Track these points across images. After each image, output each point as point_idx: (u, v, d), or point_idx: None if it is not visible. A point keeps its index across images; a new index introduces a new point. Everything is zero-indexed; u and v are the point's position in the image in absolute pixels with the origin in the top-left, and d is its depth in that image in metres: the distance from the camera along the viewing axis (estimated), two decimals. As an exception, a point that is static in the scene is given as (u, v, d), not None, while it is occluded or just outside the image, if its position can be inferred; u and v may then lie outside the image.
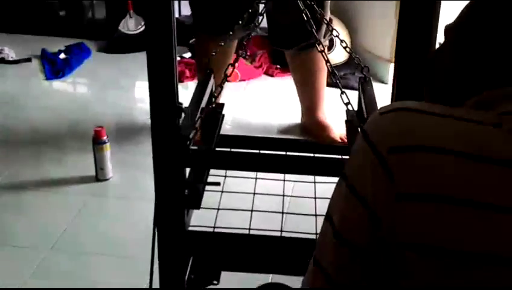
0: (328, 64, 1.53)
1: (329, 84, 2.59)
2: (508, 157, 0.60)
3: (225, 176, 1.58)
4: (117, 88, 3.03)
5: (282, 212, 1.61)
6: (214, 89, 1.63)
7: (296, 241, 1.41)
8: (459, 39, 0.71)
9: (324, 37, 2.44)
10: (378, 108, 0.69)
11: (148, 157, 1.44)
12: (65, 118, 2.73)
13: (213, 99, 1.50)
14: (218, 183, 1.48)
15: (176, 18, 2.52)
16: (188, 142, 1.31)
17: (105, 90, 3.03)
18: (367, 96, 1.52)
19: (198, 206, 1.41)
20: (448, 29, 0.74)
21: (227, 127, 2.60)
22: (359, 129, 0.68)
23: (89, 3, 3.77)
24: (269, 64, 3.20)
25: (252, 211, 1.54)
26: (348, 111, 1.53)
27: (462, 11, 0.72)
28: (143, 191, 2.08)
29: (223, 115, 1.64)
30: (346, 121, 1.60)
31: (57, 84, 3.08)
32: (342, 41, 1.57)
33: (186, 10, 3.42)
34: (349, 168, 0.67)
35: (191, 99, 1.49)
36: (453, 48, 0.72)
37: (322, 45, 1.56)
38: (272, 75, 3.17)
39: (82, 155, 2.35)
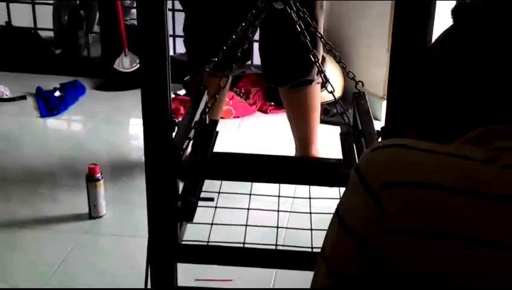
0: (323, 75, 1.53)
1: (322, 121, 2.61)
2: (500, 193, 0.61)
3: (219, 192, 1.59)
4: (111, 125, 3.04)
5: (277, 227, 1.60)
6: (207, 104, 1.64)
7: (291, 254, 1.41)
8: (437, 77, 0.72)
9: (317, 75, 2.47)
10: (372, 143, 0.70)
11: (142, 194, 1.44)
12: (59, 155, 2.73)
13: (206, 116, 1.51)
14: (212, 199, 1.48)
15: (171, 56, 2.55)
16: (181, 153, 1.30)
17: (99, 127, 3.03)
18: (361, 110, 1.53)
19: (191, 219, 1.40)
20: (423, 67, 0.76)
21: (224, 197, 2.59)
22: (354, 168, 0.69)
23: (85, 41, 3.81)
24: (263, 101, 3.23)
25: (246, 225, 1.54)
26: (342, 126, 1.54)
27: (435, 47, 0.73)
28: (136, 229, 2.07)
29: (217, 132, 1.65)
30: (341, 134, 1.62)
31: (51, 121, 3.09)
32: (326, 79, 1.58)
33: (181, 48, 3.46)
34: (341, 203, 0.68)
35: (184, 114, 1.50)
36: (434, 88, 0.73)
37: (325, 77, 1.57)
38: (266, 112, 3.19)
39: (76, 192, 2.34)
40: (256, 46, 2.95)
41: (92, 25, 3.85)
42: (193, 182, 1.50)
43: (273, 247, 1.50)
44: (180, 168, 1.31)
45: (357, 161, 1.54)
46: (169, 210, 1.32)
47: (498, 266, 0.59)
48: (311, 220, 1.58)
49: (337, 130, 1.69)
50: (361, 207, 0.64)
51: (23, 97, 3.27)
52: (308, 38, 1.60)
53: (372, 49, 3.06)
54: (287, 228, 1.84)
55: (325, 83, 1.64)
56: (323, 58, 2.47)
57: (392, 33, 1.29)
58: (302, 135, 2.59)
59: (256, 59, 3.06)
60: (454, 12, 0.70)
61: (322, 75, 1.77)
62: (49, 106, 3.17)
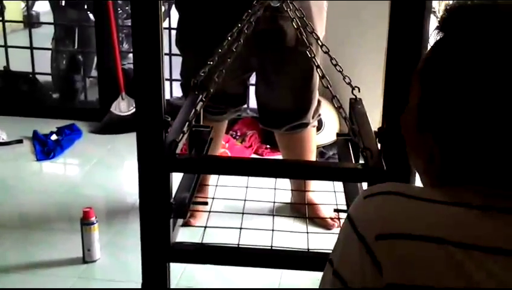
0: (319, 70, 1.53)
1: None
2: (496, 245, 0.60)
3: (213, 198, 1.58)
4: (107, 169, 3.03)
5: (272, 230, 1.58)
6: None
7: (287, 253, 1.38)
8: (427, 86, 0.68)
9: (313, 118, 2.48)
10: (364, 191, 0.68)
11: (137, 238, 1.43)
12: (54, 199, 2.71)
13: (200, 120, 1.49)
14: (206, 203, 1.46)
15: (167, 100, 2.57)
16: (175, 146, 1.28)
17: (95, 171, 3.03)
18: (358, 113, 1.53)
19: (184, 216, 1.37)
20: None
21: (219, 208, 2.58)
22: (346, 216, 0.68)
23: (82, 85, 3.83)
24: (259, 144, 3.23)
25: (240, 228, 1.53)
26: (340, 135, 1.53)
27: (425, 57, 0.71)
28: (130, 274, 2.05)
29: (211, 139, 1.64)
30: (338, 134, 1.61)
31: (47, 165, 3.09)
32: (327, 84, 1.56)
33: (178, 92, 3.48)
34: (335, 253, 0.67)
35: (178, 114, 1.49)
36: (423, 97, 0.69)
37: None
38: (261, 155, 3.19)
39: (70, 237, 2.32)
40: (252, 89, 2.97)
41: (89, 69, 3.89)
42: (187, 183, 1.47)
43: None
44: (174, 162, 1.28)
45: (352, 160, 1.54)
46: (161, 207, 1.29)
47: None
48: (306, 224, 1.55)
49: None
50: (356, 261, 0.63)
51: (20, 141, 3.28)
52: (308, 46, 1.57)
53: (367, 87, 3.08)
54: (282, 231, 1.83)
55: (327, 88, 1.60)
56: (319, 102, 2.48)
57: (388, 34, 1.29)
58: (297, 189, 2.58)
59: (253, 102, 3.08)
60: (443, 22, 0.68)
61: (318, 114, 1.77)
62: (45, 149, 3.17)
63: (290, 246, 1.62)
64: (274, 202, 1.64)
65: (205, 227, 1.53)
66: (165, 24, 3.84)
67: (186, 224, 2.47)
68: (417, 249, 0.60)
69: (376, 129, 1.41)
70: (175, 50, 3.44)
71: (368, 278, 0.62)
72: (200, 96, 1.59)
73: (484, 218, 0.61)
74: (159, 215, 1.30)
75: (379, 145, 1.38)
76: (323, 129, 3.07)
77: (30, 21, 4.45)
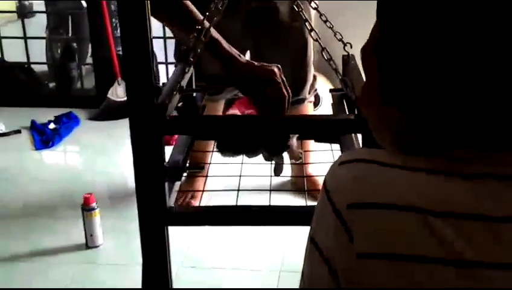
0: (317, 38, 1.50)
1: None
2: (472, 211, 0.59)
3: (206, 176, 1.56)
4: (106, 154, 3.03)
5: (270, 190, 1.57)
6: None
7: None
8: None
9: (309, 93, 2.47)
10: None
11: (138, 222, 1.43)
12: (55, 187, 2.72)
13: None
14: (202, 168, 1.45)
15: (164, 83, 2.55)
16: (165, 108, 1.27)
17: (94, 157, 3.03)
18: (350, 68, 1.51)
19: (179, 178, 1.36)
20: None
21: (219, 188, 2.59)
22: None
23: (78, 73, 3.82)
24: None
25: (238, 190, 1.51)
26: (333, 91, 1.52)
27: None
28: (133, 257, 2.05)
29: (204, 106, 1.63)
30: (331, 90, 1.60)
31: (46, 154, 3.09)
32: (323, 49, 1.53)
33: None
34: (313, 221, 0.67)
35: (169, 80, 1.47)
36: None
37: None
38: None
39: (73, 223, 2.33)
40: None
41: (84, 57, 3.88)
42: (180, 147, 1.46)
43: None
44: (165, 123, 1.27)
45: (346, 111, 1.53)
46: (155, 170, 1.27)
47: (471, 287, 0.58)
48: (306, 198, 1.56)
49: (329, 147, 1.68)
50: (329, 229, 0.63)
51: (18, 131, 3.28)
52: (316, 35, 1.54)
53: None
54: (279, 190, 1.84)
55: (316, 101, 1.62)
56: (315, 77, 2.47)
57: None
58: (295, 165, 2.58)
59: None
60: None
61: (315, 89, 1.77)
62: (43, 138, 3.17)
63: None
64: (271, 176, 1.63)
65: (202, 191, 1.52)
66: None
67: (187, 205, 2.48)
68: (389, 218, 0.59)
69: None
70: (169, 33, 3.43)
71: (341, 247, 0.61)
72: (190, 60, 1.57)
73: (459, 184, 0.60)
74: (154, 179, 1.29)
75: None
76: (321, 104, 3.06)
77: (23, 11, 4.43)
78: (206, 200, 2.51)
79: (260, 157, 1.54)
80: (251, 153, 1.51)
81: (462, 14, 0.59)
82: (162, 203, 1.31)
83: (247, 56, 2.67)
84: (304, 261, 0.67)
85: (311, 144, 2.45)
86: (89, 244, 2.21)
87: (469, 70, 0.59)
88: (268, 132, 1.40)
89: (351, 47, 1.52)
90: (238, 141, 1.48)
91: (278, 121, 1.39)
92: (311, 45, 2.36)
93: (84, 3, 3.76)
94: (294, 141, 1.52)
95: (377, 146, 0.70)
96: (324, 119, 1.47)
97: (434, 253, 0.58)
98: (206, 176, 2.22)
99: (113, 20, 3.71)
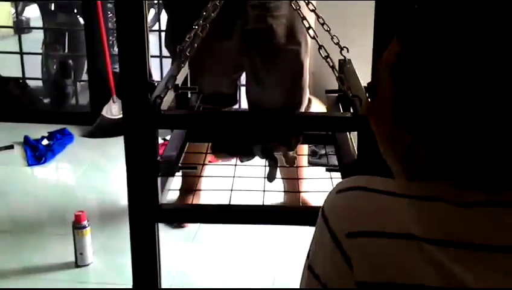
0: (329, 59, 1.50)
1: (310, 163, 2.60)
2: (471, 240, 0.59)
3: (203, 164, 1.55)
4: (99, 172, 3.02)
5: (264, 191, 1.56)
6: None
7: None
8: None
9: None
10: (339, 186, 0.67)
11: (129, 241, 1.42)
12: (47, 203, 2.70)
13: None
14: (194, 168, 1.44)
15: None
16: (159, 102, 1.25)
17: (87, 174, 3.01)
18: (347, 72, 1.50)
19: (172, 174, 1.34)
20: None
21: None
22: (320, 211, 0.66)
23: (73, 90, 3.82)
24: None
25: (231, 190, 1.50)
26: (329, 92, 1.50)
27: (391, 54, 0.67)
28: (122, 277, 2.04)
29: (199, 106, 1.62)
30: (327, 91, 1.59)
31: (38, 170, 3.07)
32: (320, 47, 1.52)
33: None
34: (311, 247, 0.66)
35: (163, 77, 1.45)
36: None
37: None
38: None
39: (63, 241, 2.31)
40: (243, 90, 2.97)
41: (80, 73, 3.88)
42: (174, 143, 1.44)
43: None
44: (159, 118, 1.25)
45: (340, 109, 1.52)
46: (148, 165, 1.25)
47: None
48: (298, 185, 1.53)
49: (323, 172, 1.67)
50: (328, 256, 0.62)
51: (11, 147, 3.26)
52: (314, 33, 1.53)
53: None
54: (273, 191, 1.82)
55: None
56: (310, 100, 2.47)
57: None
58: (291, 178, 2.57)
59: (244, 104, 3.08)
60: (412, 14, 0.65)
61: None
62: (36, 154, 3.15)
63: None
64: (265, 177, 1.62)
65: (194, 191, 1.50)
66: (155, 27, 3.83)
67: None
68: (388, 246, 0.59)
69: (365, 84, 1.37)
70: (165, 53, 3.44)
71: (339, 275, 0.61)
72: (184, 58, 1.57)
73: (458, 213, 0.60)
74: (146, 174, 1.26)
75: (369, 100, 1.34)
76: (315, 128, 3.06)
77: (20, 26, 4.43)
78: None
79: (252, 162, 1.53)
80: (245, 154, 1.51)
81: (484, 50, 0.60)
82: (153, 198, 1.28)
83: (243, 76, 2.68)
84: (299, 286, 0.67)
85: (305, 169, 2.45)
86: (79, 262, 2.19)
87: (485, 105, 0.60)
88: (264, 128, 1.38)
89: (348, 51, 1.52)
90: (232, 142, 1.47)
91: (274, 117, 1.37)
92: (306, 67, 2.36)
93: (81, 20, 3.77)
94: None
95: (374, 151, 0.70)
96: (321, 116, 1.45)
97: (433, 282, 0.57)
98: (198, 190, 2.21)
99: (110, 37, 3.72)
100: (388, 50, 0.68)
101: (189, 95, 1.62)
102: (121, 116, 3.40)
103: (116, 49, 4.02)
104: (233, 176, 1.60)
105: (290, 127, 1.41)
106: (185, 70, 1.59)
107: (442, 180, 0.63)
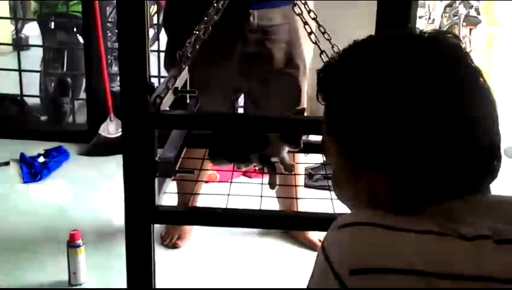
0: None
1: (306, 186, 2.61)
2: (474, 273, 0.59)
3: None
4: (95, 190, 3.01)
5: (261, 196, 1.55)
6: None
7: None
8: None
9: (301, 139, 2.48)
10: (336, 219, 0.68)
11: (123, 261, 1.41)
12: (41, 221, 2.69)
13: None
14: (192, 172, 1.42)
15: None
16: (159, 102, 1.23)
17: (82, 192, 3.01)
18: None
19: (169, 175, 1.32)
20: None
21: (206, 230, 2.57)
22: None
23: (70, 108, 3.83)
24: (256, 174, 3.23)
25: (228, 195, 1.49)
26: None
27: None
28: (117, 297, 2.03)
29: (198, 110, 1.62)
30: (318, 72, 1.58)
31: (33, 187, 3.07)
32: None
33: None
34: (311, 283, 0.66)
35: (163, 81, 1.44)
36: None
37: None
38: (249, 177, 3.18)
39: (57, 260, 2.30)
40: (240, 111, 2.99)
41: (78, 91, 3.89)
42: (173, 144, 1.43)
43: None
44: (158, 117, 1.23)
45: None
46: (146, 165, 1.22)
47: None
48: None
49: (320, 194, 1.68)
50: None
51: (7, 163, 3.26)
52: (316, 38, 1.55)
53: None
54: (271, 197, 1.81)
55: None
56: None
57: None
58: (286, 199, 2.57)
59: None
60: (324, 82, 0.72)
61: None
62: (32, 171, 3.15)
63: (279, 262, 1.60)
64: (262, 183, 1.61)
65: (192, 194, 1.48)
66: (154, 47, 3.86)
67: (174, 247, 2.46)
68: (393, 283, 0.59)
69: None
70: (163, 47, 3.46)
71: None
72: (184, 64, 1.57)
73: (460, 246, 0.61)
74: (144, 174, 1.24)
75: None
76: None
77: (19, 44, 4.45)
78: (191, 243, 2.50)
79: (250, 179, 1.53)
80: (243, 160, 1.50)
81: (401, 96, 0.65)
82: (150, 199, 1.26)
83: (241, 99, 2.69)
84: None
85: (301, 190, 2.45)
86: (72, 282, 2.17)
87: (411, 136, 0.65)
88: (262, 129, 1.37)
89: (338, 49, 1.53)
90: (229, 148, 1.47)
91: (271, 119, 1.36)
92: (304, 91, 2.38)
93: (80, 39, 3.79)
94: (285, 153, 1.52)
95: None
96: (321, 120, 1.44)
97: None
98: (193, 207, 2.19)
99: (108, 56, 3.74)
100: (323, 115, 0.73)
101: (187, 101, 1.62)
102: (118, 135, 3.42)
103: (114, 68, 4.05)
104: (231, 181, 1.60)
105: (290, 130, 1.40)
106: (185, 75, 1.59)
107: (423, 212, 0.66)
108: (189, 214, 1.42)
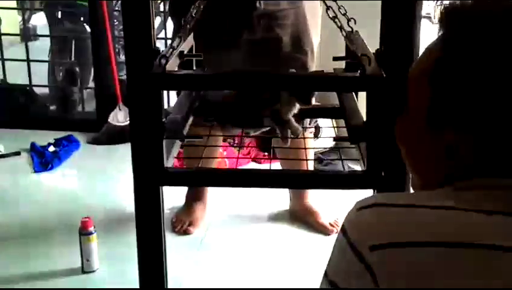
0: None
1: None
2: (489, 241, 0.60)
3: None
4: (105, 179, 3.03)
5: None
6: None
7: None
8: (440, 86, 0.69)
9: (310, 124, 2.48)
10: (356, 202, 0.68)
11: (135, 248, 1.43)
12: (53, 210, 2.71)
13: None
14: (200, 137, 1.41)
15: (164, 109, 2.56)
16: (165, 62, 1.22)
17: (93, 181, 3.03)
18: (355, 42, 1.49)
19: (176, 136, 1.30)
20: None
21: (217, 217, 2.58)
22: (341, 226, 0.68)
23: (79, 97, 3.84)
24: (257, 152, 3.23)
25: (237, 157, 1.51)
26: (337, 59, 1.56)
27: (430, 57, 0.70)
28: (129, 283, 2.04)
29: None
30: (334, 58, 1.58)
31: (45, 176, 3.09)
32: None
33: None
34: (331, 266, 0.67)
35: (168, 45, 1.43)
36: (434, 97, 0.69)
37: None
38: (259, 162, 3.19)
39: (70, 247, 2.31)
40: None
41: (86, 81, 3.90)
42: (180, 106, 1.42)
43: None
44: (164, 77, 1.22)
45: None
46: (153, 125, 1.21)
47: None
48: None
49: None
50: (352, 272, 0.63)
51: (18, 153, 3.28)
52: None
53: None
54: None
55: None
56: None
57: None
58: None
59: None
60: (446, 18, 0.69)
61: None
62: (43, 161, 3.17)
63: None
64: (270, 157, 1.62)
65: (201, 158, 1.48)
66: (161, 34, 3.85)
67: (185, 233, 2.47)
68: (416, 255, 0.60)
69: (374, 52, 1.37)
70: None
71: (362, 286, 0.62)
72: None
73: (477, 218, 0.62)
74: (151, 135, 1.22)
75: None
76: (321, 135, 3.07)
77: (27, 34, 4.46)
78: (202, 230, 2.51)
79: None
80: (252, 124, 1.48)
81: None
82: (159, 161, 1.25)
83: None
84: None
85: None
86: (85, 269, 2.19)
87: None
88: (272, 87, 1.35)
89: (355, 23, 1.51)
90: (240, 109, 1.45)
91: (283, 77, 1.35)
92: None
93: (87, 28, 3.79)
94: (296, 110, 1.50)
95: None
96: (330, 76, 1.43)
97: (468, 285, 0.58)
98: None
99: (116, 45, 3.74)
100: (421, 60, 0.71)
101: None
102: (127, 123, 3.43)
103: (122, 56, 4.05)
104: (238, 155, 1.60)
105: (298, 87, 1.39)
106: (190, 41, 1.58)
107: (487, 177, 0.66)
108: (198, 175, 1.40)
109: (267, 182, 1.42)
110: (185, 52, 1.53)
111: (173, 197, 2.65)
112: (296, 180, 1.43)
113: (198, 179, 1.39)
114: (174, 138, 1.34)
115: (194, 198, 2.56)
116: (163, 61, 1.23)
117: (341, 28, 1.49)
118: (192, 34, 1.62)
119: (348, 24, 1.50)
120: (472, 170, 0.67)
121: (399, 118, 0.74)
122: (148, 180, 1.29)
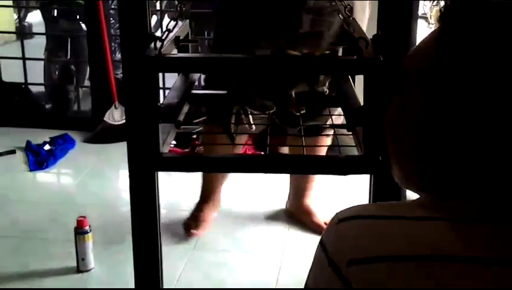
0: None
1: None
2: (467, 253, 0.59)
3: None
4: (101, 178, 3.02)
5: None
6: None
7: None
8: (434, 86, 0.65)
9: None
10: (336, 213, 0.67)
11: (130, 247, 1.42)
12: (48, 208, 2.70)
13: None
14: (196, 124, 1.40)
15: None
16: (161, 44, 1.21)
17: (89, 180, 3.02)
18: (352, 24, 1.49)
19: (171, 120, 1.29)
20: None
21: (213, 215, 2.58)
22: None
23: (75, 95, 3.83)
24: (253, 151, 3.23)
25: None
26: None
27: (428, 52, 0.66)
28: (125, 282, 2.04)
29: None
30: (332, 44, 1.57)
31: (40, 175, 3.08)
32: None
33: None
34: (310, 280, 0.67)
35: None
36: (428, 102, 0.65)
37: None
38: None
39: (64, 246, 2.31)
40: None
41: (82, 79, 3.89)
42: (177, 90, 1.41)
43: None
44: (159, 60, 1.20)
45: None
46: (148, 109, 1.19)
47: None
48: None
49: (332, 179, 1.66)
50: (329, 288, 0.63)
51: (13, 151, 3.27)
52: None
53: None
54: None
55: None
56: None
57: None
58: (299, 184, 2.56)
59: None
60: (446, 12, 0.65)
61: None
62: (38, 159, 3.16)
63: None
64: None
65: (198, 145, 1.45)
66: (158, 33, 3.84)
67: (191, 235, 2.45)
68: (394, 270, 0.59)
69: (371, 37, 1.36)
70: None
71: None
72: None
73: (457, 230, 0.61)
74: (147, 119, 1.21)
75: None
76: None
77: (22, 32, 4.45)
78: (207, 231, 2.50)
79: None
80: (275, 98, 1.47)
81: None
82: (154, 146, 1.24)
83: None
84: None
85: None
86: (80, 268, 2.19)
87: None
88: (269, 70, 1.34)
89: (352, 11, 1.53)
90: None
91: (280, 61, 1.32)
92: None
93: (83, 26, 3.78)
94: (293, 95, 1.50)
95: None
96: (326, 59, 1.41)
97: None
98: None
99: (112, 43, 3.73)
100: (415, 60, 0.67)
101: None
102: (123, 122, 3.42)
103: (118, 55, 4.05)
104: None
105: (295, 71, 1.37)
106: (185, 28, 1.57)
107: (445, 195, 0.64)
108: (194, 160, 1.39)
109: (263, 167, 1.39)
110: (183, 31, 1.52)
111: (172, 197, 2.65)
112: (293, 165, 1.42)
113: (193, 165, 1.38)
114: (170, 122, 1.33)
115: (206, 200, 2.54)
116: (158, 43, 1.22)
117: (338, 11, 1.49)
118: (187, 20, 1.61)
119: (345, 11, 1.50)
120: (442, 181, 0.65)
121: (389, 109, 0.70)
122: (143, 165, 1.27)
